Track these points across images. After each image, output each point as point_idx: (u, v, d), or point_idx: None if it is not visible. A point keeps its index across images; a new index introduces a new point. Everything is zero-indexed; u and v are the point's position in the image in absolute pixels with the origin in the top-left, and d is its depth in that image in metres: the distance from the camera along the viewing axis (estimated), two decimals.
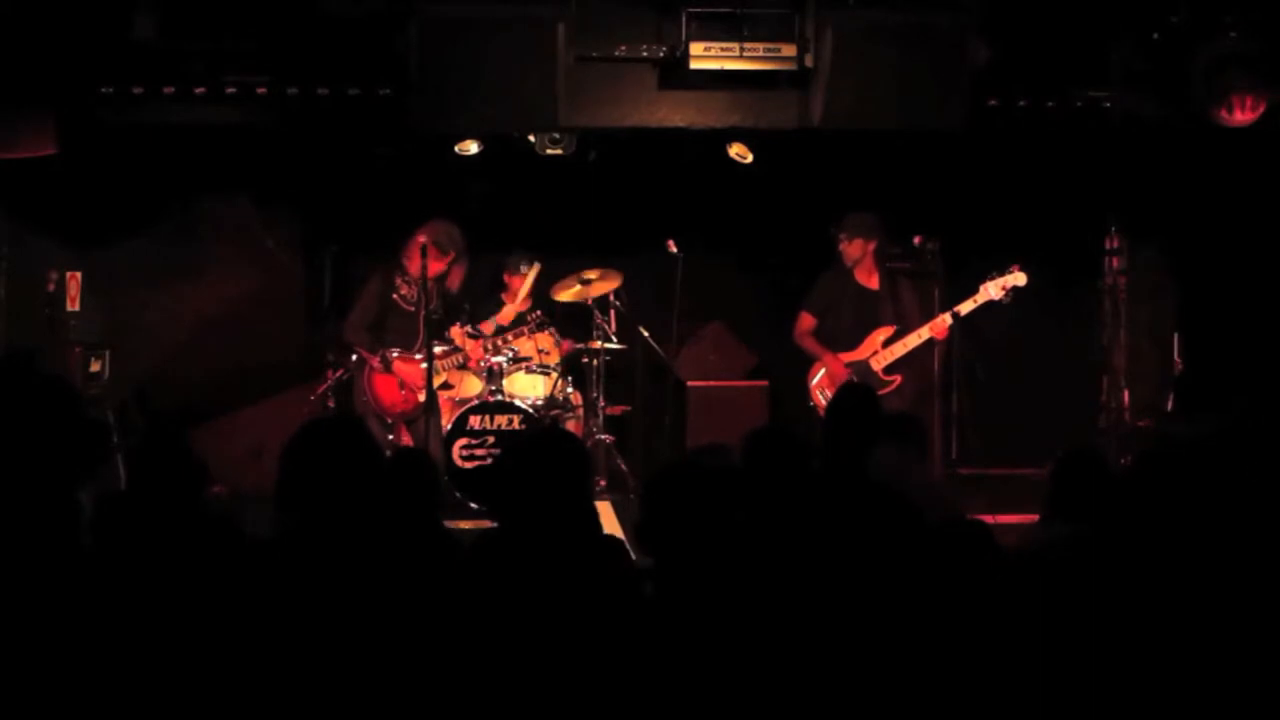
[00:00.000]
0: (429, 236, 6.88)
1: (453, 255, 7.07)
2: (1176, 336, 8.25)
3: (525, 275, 7.56)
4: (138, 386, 7.61)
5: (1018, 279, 6.75)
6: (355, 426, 3.20)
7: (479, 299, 7.59)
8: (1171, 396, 7.98)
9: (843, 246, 7.02)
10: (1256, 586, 3.08)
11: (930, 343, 6.90)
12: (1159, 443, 3.98)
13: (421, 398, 6.84)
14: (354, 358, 7.01)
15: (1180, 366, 8.10)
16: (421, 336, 6.91)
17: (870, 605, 3.03)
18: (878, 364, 6.88)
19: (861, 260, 7.03)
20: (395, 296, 6.86)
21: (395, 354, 6.86)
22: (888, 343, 6.89)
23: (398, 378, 6.77)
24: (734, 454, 3.96)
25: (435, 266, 6.96)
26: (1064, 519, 3.68)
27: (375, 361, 6.71)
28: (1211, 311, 8.01)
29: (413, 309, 6.89)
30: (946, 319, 6.78)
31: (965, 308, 6.76)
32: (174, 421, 7.34)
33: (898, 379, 6.86)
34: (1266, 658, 2.91)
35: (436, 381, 6.75)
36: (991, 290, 6.75)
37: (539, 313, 7.30)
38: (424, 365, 6.84)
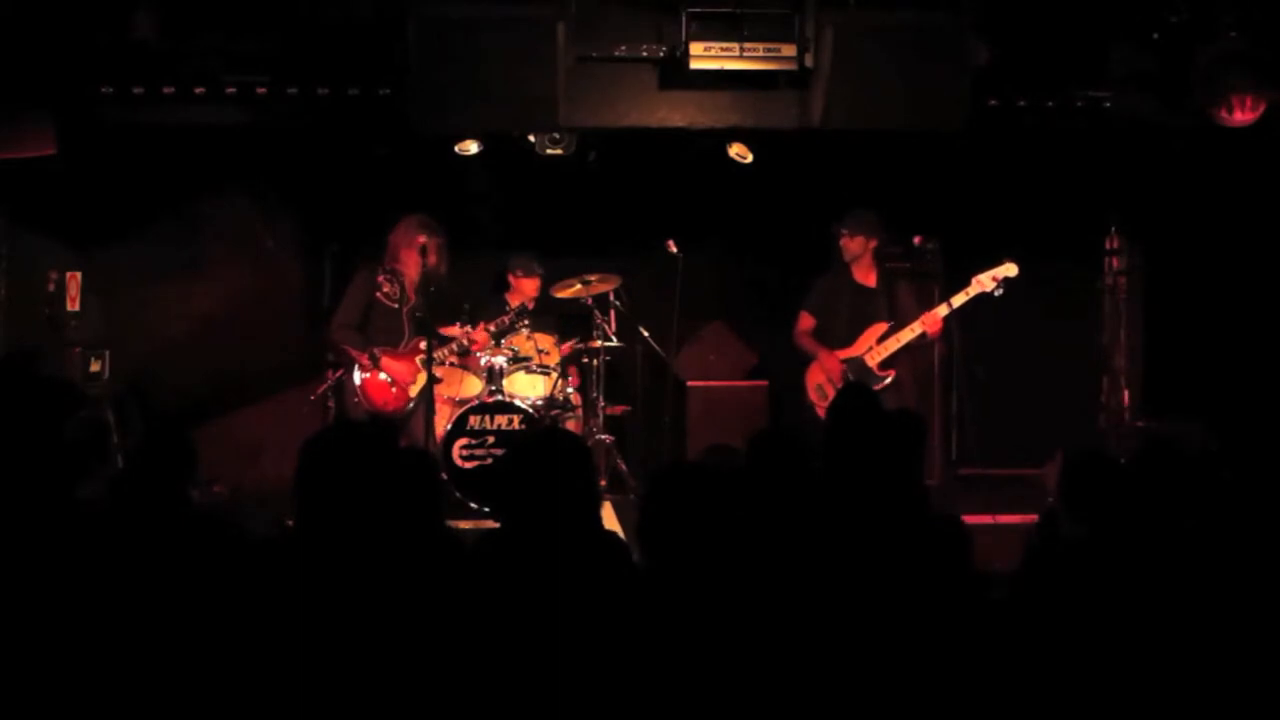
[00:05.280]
0: (426, 235, 6.86)
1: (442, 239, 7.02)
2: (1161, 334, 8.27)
3: (535, 276, 7.57)
4: (131, 382, 7.60)
5: (1009, 270, 6.76)
6: (378, 431, 3.20)
7: (480, 299, 7.59)
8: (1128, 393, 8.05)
9: (844, 242, 7.02)
10: (1257, 586, 3.09)
11: (925, 338, 6.90)
12: (1152, 443, 3.98)
13: (411, 394, 6.83)
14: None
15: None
16: (406, 334, 6.89)
17: (869, 605, 3.03)
18: (872, 360, 6.88)
19: (860, 257, 7.03)
20: (378, 295, 6.83)
21: (382, 351, 6.83)
22: (882, 338, 6.89)
23: (386, 375, 6.77)
24: (740, 456, 3.96)
25: (435, 260, 6.89)
26: (1075, 519, 3.66)
27: (364, 359, 6.70)
28: (1209, 310, 8.02)
29: (395, 306, 6.86)
30: (940, 311, 6.78)
31: (958, 300, 6.77)
32: (173, 418, 7.37)
33: (892, 374, 6.86)
34: (1271, 658, 2.92)
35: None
36: (983, 282, 6.76)
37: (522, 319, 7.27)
38: (415, 361, 6.83)
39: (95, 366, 7.26)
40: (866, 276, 7.06)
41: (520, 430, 6.95)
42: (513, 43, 6.32)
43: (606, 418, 7.56)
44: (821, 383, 6.96)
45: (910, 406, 6.55)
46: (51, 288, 7.26)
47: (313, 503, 2.93)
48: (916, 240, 7.55)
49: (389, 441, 3.16)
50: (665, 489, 3.10)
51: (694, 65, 6.36)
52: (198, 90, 7.11)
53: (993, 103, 7.32)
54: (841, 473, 4.10)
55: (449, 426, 6.93)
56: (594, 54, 6.55)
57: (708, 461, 4.10)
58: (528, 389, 7.32)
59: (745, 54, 6.34)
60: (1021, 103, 7.50)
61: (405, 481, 3.45)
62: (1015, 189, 7.99)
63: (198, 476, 3.68)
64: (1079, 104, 7.47)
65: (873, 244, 7.02)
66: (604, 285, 7.58)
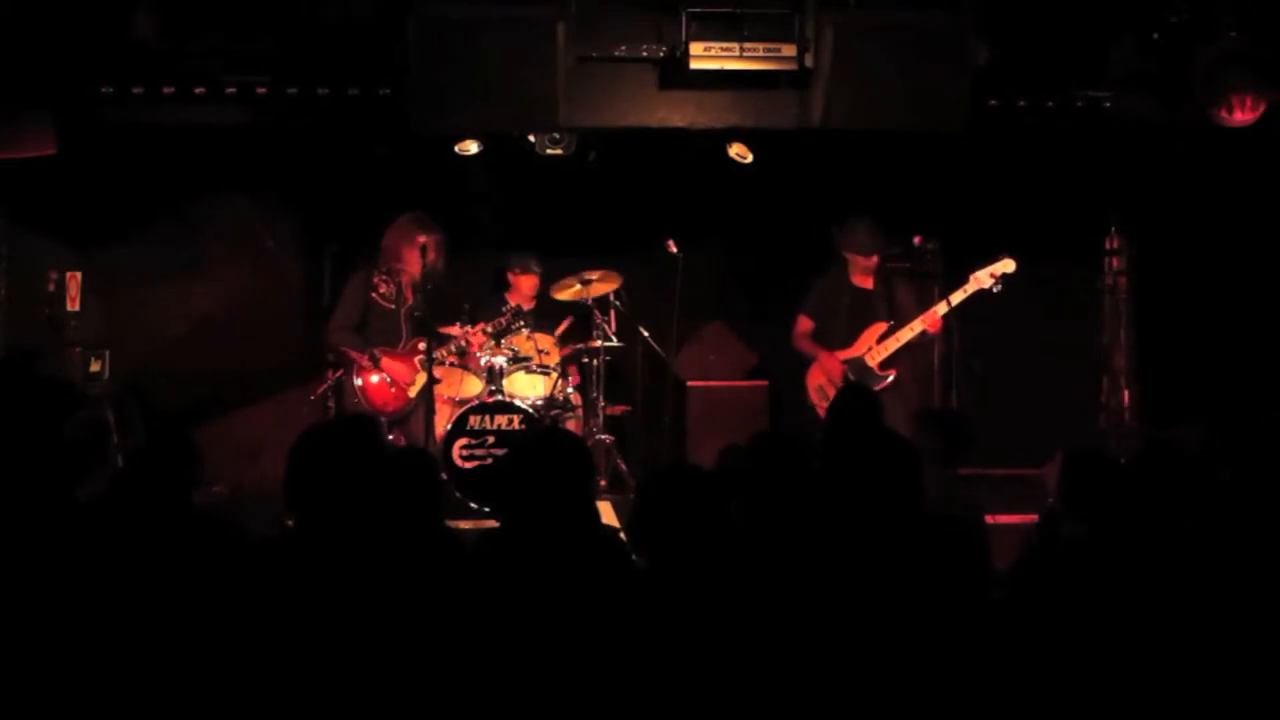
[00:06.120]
0: (425, 234, 6.87)
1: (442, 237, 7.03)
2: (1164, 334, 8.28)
3: (534, 275, 7.58)
4: (131, 382, 7.60)
5: (1006, 266, 6.77)
6: (364, 427, 3.20)
7: (479, 299, 7.59)
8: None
9: (855, 259, 7.01)
10: (1257, 585, 3.09)
11: (926, 337, 6.90)
12: (1152, 443, 3.98)
13: (411, 394, 6.84)
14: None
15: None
16: (404, 334, 6.91)
17: (868, 604, 3.03)
18: (873, 360, 6.88)
19: (867, 267, 7.05)
20: (374, 295, 6.86)
21: (381, 352, 6.84)
22: (882, 338, 6.89)
23: (386, 375, 6.78)
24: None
25: (434, 257, 6.91)
26: (1075, 519, 3.66)
27: (364, 360, 6.72)
28: (1209, 309, 8.02)
29: (392, 307, 6.89)
30: (939, 310, 6.78)
31: (956, 297, 6.78)
32: (175, 418, 7.37)
33: (893, 373, 6.86)
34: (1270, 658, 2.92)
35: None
36: (981, 278, 6.76)
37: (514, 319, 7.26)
38: (413, 361, 6.85)
39: (95, 366, 7.26)
40: (865, 277, 7.06)
41: (520, 430, 6.95)
42: (513, 43, 6.32)
43: (606, 418, 7.56)
44: (822, 383, 6.96)
45: (911, 406, 6.56)
46: (51, 288, 7.26)
47: (305, 502, 2.93)
48: (916, 240, 7.55)
49: (374, 435, 3.14)
50: (655, 489, 3.10)
51: (694, 65, 6.35)
52: (198, 90, 7.11)
53: (993, 103, 7.32)
54: (841, 473, 4.10)
55: (449, 426, 6.92)
56: (594, 54, 6.54)
57: (723, 463, 4.10)
58: (528, 389, 7.32)
59: (745, 54, 6.33)
60: (1021, 103, 7.50)
61: (405, 481, 3.46)
62: (1015, 189, 7.99)
63: (200, 478, 3.68)
64: (1079, 104, 7.47)
65: (859, 261, 7.00)
66: (604, 285, 7.58)
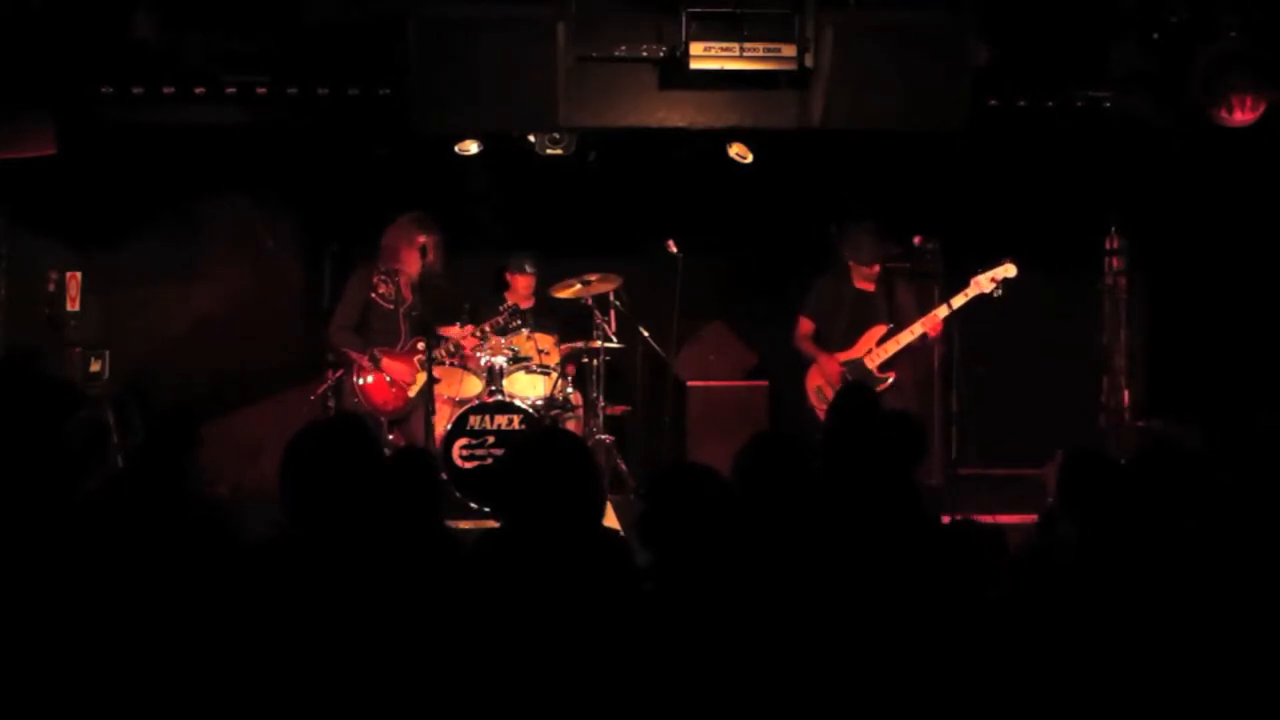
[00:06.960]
0: (425, 234, 6.87)
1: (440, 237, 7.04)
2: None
3: (530, 275, 7.58)
4: (131, 382, 7.60)
5: (1007, 270, 6.77)
6: (357, 426, 3.20)
7: (480, 299, 7.59)
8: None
9: (859, 267, 7.01)
10: (1257, 586, 3.09)
11: (925, 340, 6.90)
12: (1152, 443, 3.98)
13: (411, 394, 6.85)
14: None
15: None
16: (403, 334, 6.92)
17: (871, 604, 3.03)
18: (872, 362, 6.89)
19: (869, 275, 7.06)
20: (374, 296, 6.86)
21: (381, 352, 6.84)
22: (882, 340, 6.89)
23: (386, 375, 6.79)
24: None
25: (433, 257, 6.91)
26: (1070, 519, 3.66)
27: (364, 360, 6.72)
28: (1208, 309, 8.02)
29: (392, 307, 6.89)
30: (940, 313, 6.79)
31: (957, 301, 6.78)
32: (179, 416, 7.36)
33: (893, 375, 6.86)
34: (1270, 659, 2.92)
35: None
36: (982, 283, 6.77)
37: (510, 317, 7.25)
38: (413, 361, 6.85)
39: (95, 366, 7.26)
40: (866, 282, 7.07)
41: (520, 430, 6.95)
42: (513, 43, 6.32)
43: (606, 418, 7.56)
44: (821, 385, 6.97)
45: (911, 408, 6.55)
46: (51, 288, 7.26)
47: (298, 502, 2.93)
48: (916, 240, 7.55)
49: (367, 434, 3.14)
50: (663, 489, 3.10)
51: (694, 65, 6.36)
52: (198, 90, 7.12)
53: (993, 103, 7.32)
54: (840, 473, 4.10)
55: (449, 426, 6.93)
56: (594, 54, 6.55)
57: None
58: (528, 389, 7.32)
59: (745, 54, 6.34)
60: (1021, 103, 7.51)
61: (404, 481, 3.46)
62: (1015, 189, 7.99)
63: (197, 459, 3.67)
64: (1079, 104, 7.47)
65: (860, 270, 7.00)
66: (604, 285, 7.57)
